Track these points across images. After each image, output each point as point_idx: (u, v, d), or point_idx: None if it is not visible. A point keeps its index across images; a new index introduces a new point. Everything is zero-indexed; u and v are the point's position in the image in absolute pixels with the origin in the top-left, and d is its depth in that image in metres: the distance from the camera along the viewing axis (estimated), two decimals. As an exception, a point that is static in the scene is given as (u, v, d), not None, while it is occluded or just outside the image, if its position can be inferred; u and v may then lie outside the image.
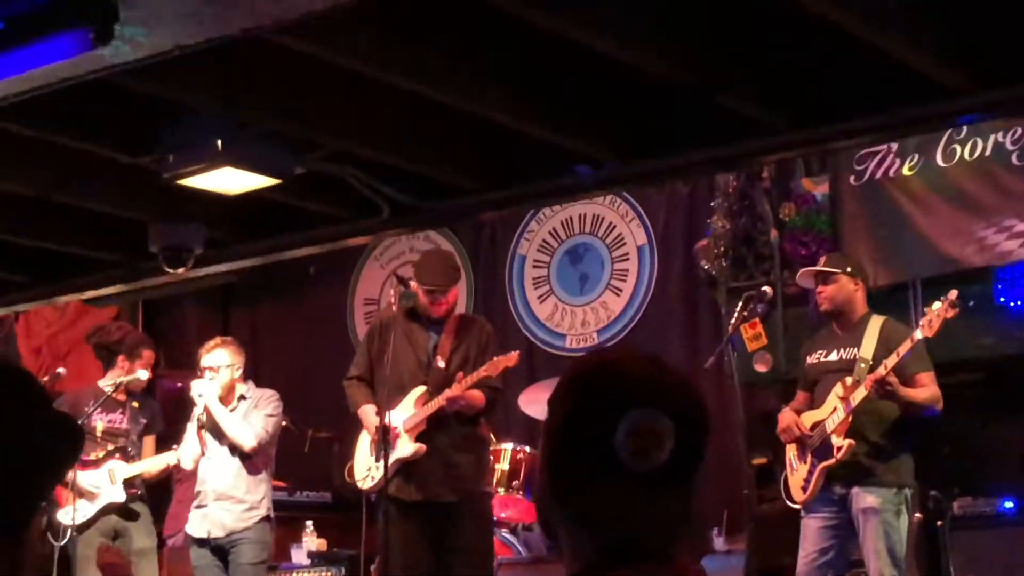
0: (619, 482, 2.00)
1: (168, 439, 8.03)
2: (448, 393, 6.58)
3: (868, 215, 7.89)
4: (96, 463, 7.58)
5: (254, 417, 7.23)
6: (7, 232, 7.18)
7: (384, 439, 6.49)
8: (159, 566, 8.12)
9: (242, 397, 7.32)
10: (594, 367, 2.15)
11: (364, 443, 6.89)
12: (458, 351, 6.80)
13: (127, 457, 7.72)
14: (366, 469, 6.82)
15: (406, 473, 6.64)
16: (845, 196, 7.98)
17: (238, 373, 7.32)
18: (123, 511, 7.66)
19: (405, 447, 6.63)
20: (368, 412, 6.76)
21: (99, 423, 7.69)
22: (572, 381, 2.12)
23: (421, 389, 6.71)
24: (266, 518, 7.24)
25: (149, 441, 7.92)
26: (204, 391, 7.17)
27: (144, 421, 7.91)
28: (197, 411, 7.23)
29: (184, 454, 7.38)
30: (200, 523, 7.22)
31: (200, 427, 7.20)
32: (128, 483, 7.65)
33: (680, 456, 2.01)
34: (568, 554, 2.08)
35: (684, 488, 2.07)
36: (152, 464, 7.76)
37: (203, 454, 7.23)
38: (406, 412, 6.68)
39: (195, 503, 7.29)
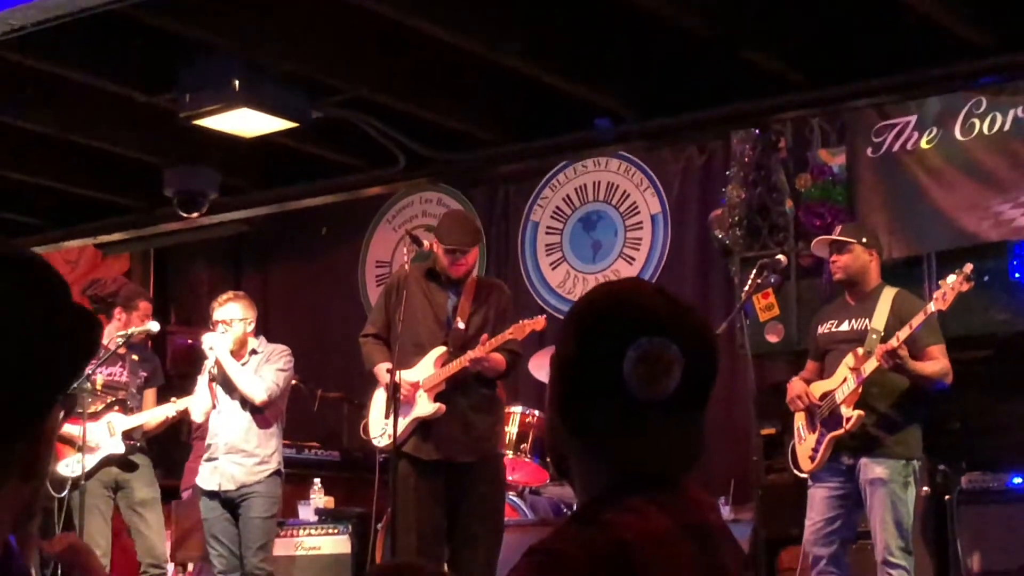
0: (629, 411, 1.99)
1: (177, 393, 8.03)
2: (472, 354, 6.55)
3: (885, 187, 7.86)
4: (95, 416, 7.57)
5: (265, 371, 7.22)
6: (19, 172, 7.15)
7: (395, 397, 6.47)
8: (167, 518, 8.14)
9: (253, 351, 7.31)
10: (603, 298, 2.14)
11: (380, 401, 6.85)
12: (477, 313, 6.77)
13: (126, 410, 7.71)
14: (381, 427, 6.80)
15: (424, 432, 6.61)
16: (862, 168, 7.94)
17: (250, 327, 7.31)
18: (123, 463, 7.65)
19: (424, 406, 6.60)
20: (384, 369, 6.73)
21: (99, 376, 7.68)
22: (581, 312, 2.11)
23: (441, 349, 6.68)
24: (276, 472, 7.24)
25: (150, 394, 7.91)
26: (216, 344, 7.16)
27: (144, 374, 7.90)
28: (208, 364, 7.22)
29: (195, 407, 7.38)
30: (211, 476, 7.22)
31: (211, 380, 7.20)
32: (127, 435, 7.64)
33: (689, 385, 2.00)
34: (580, 485, 2.07)
35: (694, 418, 2.06)
36: (151, 416, 7.75)
37: (214, 407, 7.22)
38: (425, 372, 6.64)
39: (205, 456, 7.30)
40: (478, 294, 6.81)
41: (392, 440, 6.58)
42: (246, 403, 7.19)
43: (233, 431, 7.20)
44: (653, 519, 1.93)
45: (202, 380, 7.31)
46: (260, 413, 7.20)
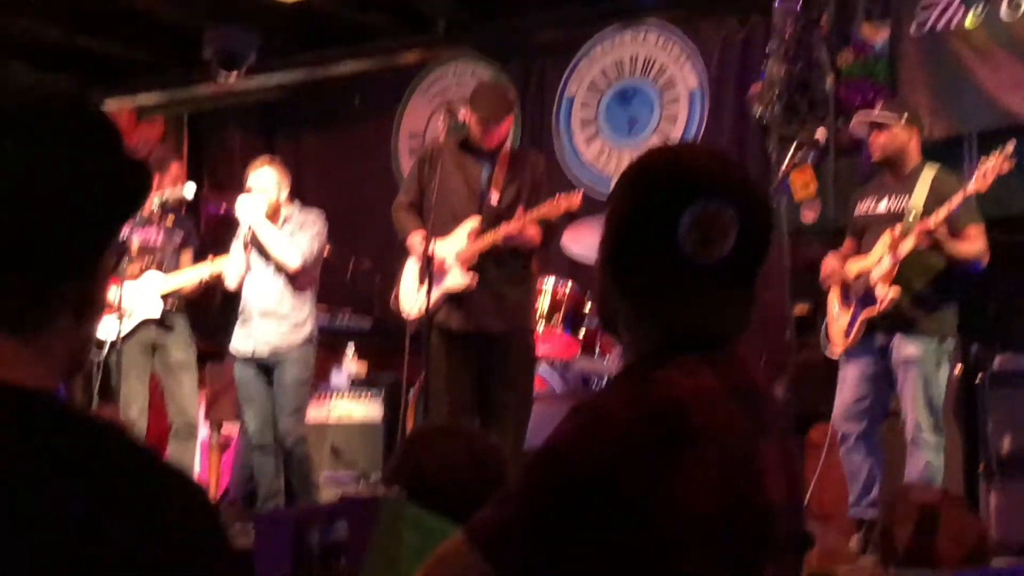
0: (682, 273, 1.99)
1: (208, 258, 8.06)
2: (506, 228, 6.54)
3: (927, 65, 7.76)
4: (133, 277, 7.60)
5: (300, 237, 7.22)
6: (60, 33, 7.11)
7: (429, 268, 6.48)
8: (201, 380, 8.22)
9: (287, 218, 7.30)
10: (659, 159, 2.13)
11: (411, 271, 6.87)
12: (511, 185, 6.73)
13: (163, 271, 7.74)
14: (413, 297, 6.82)
15: (456, 303, 6.62)
16: (905, 45, 7.83)
17: (284, 194, 7.30)
18: (160, 324, 7.70)
19: (457, 278, 6.61)
20: (417, 239, 6.73)
21: (135, 239, 7.70)
22: (637, 173, 2.10)
23: (474, 221, 6.66)
24: (310, 338, 7.28)
25: (186, 256, 7.93)
26: (250, 208, 7.17)
27: (179, 237, 7.92)
28: (243, 228, 7.24)
29: (229, 271, 7.40)
30: (245, 340, 7.26)
31: (245, 244, 7.22)
32: (164, 297, 7.68)
33: (743, 250, 2.00)
34: (629, 344, 2.08)
35: (746, 283, 2.06)
36: (188, 277, 7.77)
37: (248, 270, 7.25)
38: (458, 243, 6.64)
39: (240, 320, 7.34)
40: (512, 165, 6.78)
41: (424, 311, 6.61)
42: (280, 268, 7.20)
43: (267, 295, 7.22)
44: (702, 378, 1.94)
45: (236, 245, 7.33)
46: (294, 278, 7.22)
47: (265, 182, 7.23)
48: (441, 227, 6.59)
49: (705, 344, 2.02)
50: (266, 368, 7.24)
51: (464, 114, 6.75)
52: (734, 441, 1.92)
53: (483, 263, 6.62)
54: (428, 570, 1.89)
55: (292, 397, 7.20)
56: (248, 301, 7.29)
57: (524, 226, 6.54)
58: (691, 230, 1.98)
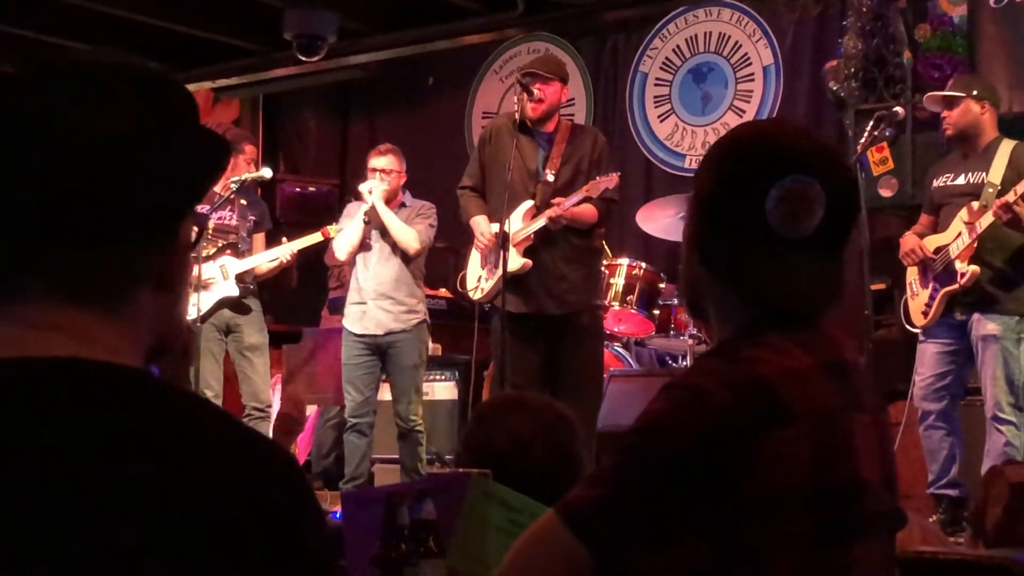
0: (770, 249, 1.99)
1: (282, 239, 8.13)
2: (548, 213, 6.53)
3: (1007, 38, 7.65)
4: (209, 259, 7.68)
5: (417, 224, 7.45)
6: (141, 14, 7.18)
7: (503, 246, 6.48)
8: (276, 362, 8.30)
9: (403, 204, 7.51)
10: (746, 136, 2.13)
11: (476, 253, 6.91)
12: (568, 164, 6.70)
13: (238, 253, 7.81)
14: (476, 280, 6.86)
15: (515, 286, 6.61)
16: (984, 18, 7.73)
17: (402, 181, 7.53)
18: (236, 306, 7.78)
19: (513, 261, 6.61)
20: (480, 222, 6.75)
21: (210, 220, 7.77)
22: (724, 149, 2.10)
23: (529, 203, 6.65)
24: (423, 321, 7.48)
25: (259, 238, 8.01)
26: (374, 189, 7.38)
27: (253, 218, 7.99)
28: (364, 207, 7.42)
29: (340, 243, 7.55)
30: (359, 320, 7.41)
31: (366, 223, 7.39)
32: (240, 278, 7.75)
33: (831, 225, 2.00)
34: (717, 323, 2.08)
35: (834, 259, 2.06)
36: (263, 258, 7.85)
37: (361, 249, 7.41)
38: (514, 226, 6.63)
39: (355, 300, 7.48)
40: (571, 142, 6.73)
41: (486, 294, 6.67)
42: (396, 251, 7.38)
43: (383, 278, 7.38)
44: (793, 355, 1.94)
45: (354, 222, 7.47)
46: (408, 263, 7.40)
47: (387, 166, 7.47)
48: (499, 208, 6.59)
49: (795, 320, 2.01)
50: (379, 350, 7.38)
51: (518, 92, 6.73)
52: (826, 418, 1.92)
53: (539, 244, 6.62)
54: (520, 551, 1.89)
55: (409, 380, 7.38)
56: (362, 283, 7.45)
57: (568, 210, 6.50)
58: (779, 205, 1.97)
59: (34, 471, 1.20)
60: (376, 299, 7.35)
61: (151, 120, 1.33)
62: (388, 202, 7.42)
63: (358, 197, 7.59)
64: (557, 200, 6.52)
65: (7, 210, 1.29)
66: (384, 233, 7.39)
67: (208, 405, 1.34)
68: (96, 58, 1.37)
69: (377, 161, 7.51)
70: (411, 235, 7.36)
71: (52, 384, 1.26)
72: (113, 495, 1.20)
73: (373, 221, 7.41)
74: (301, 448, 8.97)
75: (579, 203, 6.52)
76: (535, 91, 6.59)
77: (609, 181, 6.56)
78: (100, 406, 1.25)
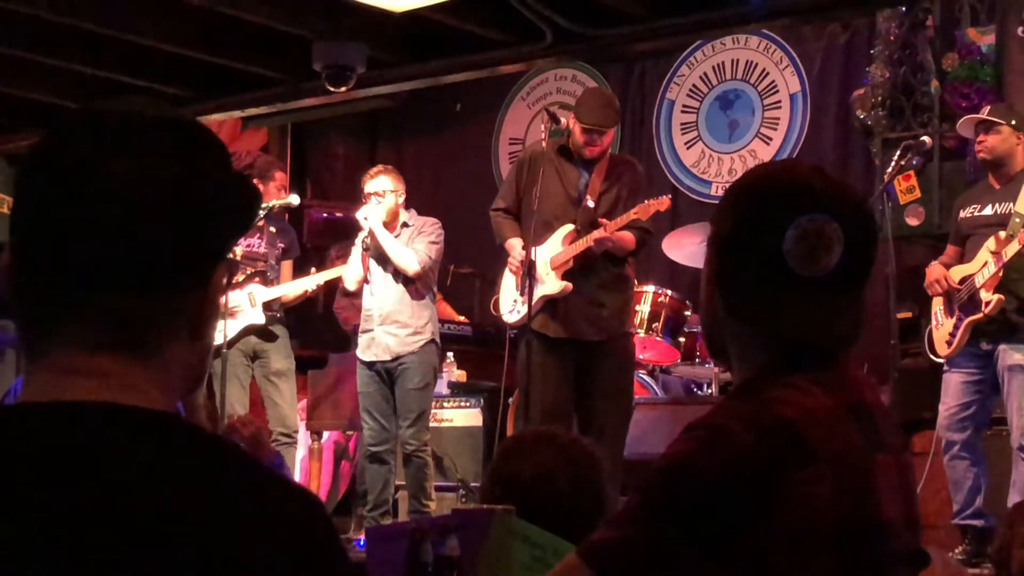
0: (789, 288, 2.00)
1: (315, 267, 8.16)
2: (596, 235, 6.54)
3: (1035, 67, 7.65)
4: (237, 286, 7.69)
5: (418, 243, 7.32)
6: (170, 43, 7.22)
7: (530, 273, 6.50)
8: (302, 387, 8.31)
9: (405, 224, 7.40)
10: (762, 176, 2.15)
11: (510, 277, 6.90)
12: (609, 192, 6.74)
13: (265, 281, 7.82)
14: (511, 302, 6.85)
15: (551, 309, 6.63)
16: (1012, 47, 7.72)
17: (401, 199, 7.42)
18: (263, 333, 7.79)
19: (552, 284, 6.63)
20: (515, 245, 6.75)
21: (239, 247, 7.79)
22: (741, 191, 2.12)
23: (569, 227, 6.67)
24: (431, 341, 7.36)
25: (287, 266, 8.02)
26: (370, 215, 7.29)
27: (282, 245, 8.00)
28: (362, 235, 7.35)
29: (348, 275, 7.52)
30: (368, 347, 7.35)
31: (364, 250, 7.33)
32: (267, 305, 7.76)
33: (849, 263, 2.01)
34: (738, 363, 2.09)
35: (853, 296, 2.07)
36: (291, 288, 7.88)
37: (366, 279, 7.35)
38: (553, 249, 6.65)
39: (362, 328, 7.43)
40: (610, 172, 6.77)
41: (522, 317, 6.64)
42: (399, 274, 7.29)
43: (387, 302, 7.31)
44: (815, 396, 1.95)
45: (356, 251, 7.44)
46: (412, 284, 7.30)
47: (382, 188, 7.35)
48: (538, 232, 6.61)
49: (815, 358, 2.02)
50: (388, 375, 7.32)
51: (568, 121, 6.76)
52: (848, 459, 1.93)
53: (578, 269, 6.63)
54: (544, 591, 1.90)
55: (412, 403, 7.29)
56: (369, 309, 7.39)
57: (613, 232, 6.52)
58: (797, 244, 1.99)
59: (67, 513, 1.23)
60: (382, 324, 7.28)
61: (189, 170, 1.35)
62: (389, 223, 7.32)
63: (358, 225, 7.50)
64: (603, 221, 6.55)
65: (53, 261, 1.32)
66: (385, 258, 7.30)
67: (235, 450, 1.36)
68: (137, 108, 1.39)
69: (371, 184, 7.38)
70: (409, 257, 7.23)
71: (83, 428, 1.28)
72: (144, 536, 1.22)
73: (373, 247, 7.33)
74: (325, 476, 8.96)
75: (626, 227, 6.54)
76: (595, 138, 6.61)
77: (660, 204, 6.60)
78: (131, 450, 1.27)
